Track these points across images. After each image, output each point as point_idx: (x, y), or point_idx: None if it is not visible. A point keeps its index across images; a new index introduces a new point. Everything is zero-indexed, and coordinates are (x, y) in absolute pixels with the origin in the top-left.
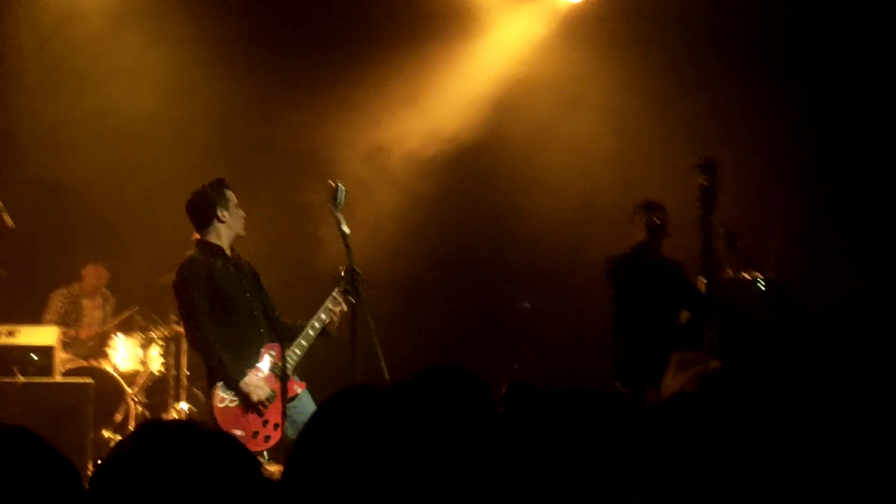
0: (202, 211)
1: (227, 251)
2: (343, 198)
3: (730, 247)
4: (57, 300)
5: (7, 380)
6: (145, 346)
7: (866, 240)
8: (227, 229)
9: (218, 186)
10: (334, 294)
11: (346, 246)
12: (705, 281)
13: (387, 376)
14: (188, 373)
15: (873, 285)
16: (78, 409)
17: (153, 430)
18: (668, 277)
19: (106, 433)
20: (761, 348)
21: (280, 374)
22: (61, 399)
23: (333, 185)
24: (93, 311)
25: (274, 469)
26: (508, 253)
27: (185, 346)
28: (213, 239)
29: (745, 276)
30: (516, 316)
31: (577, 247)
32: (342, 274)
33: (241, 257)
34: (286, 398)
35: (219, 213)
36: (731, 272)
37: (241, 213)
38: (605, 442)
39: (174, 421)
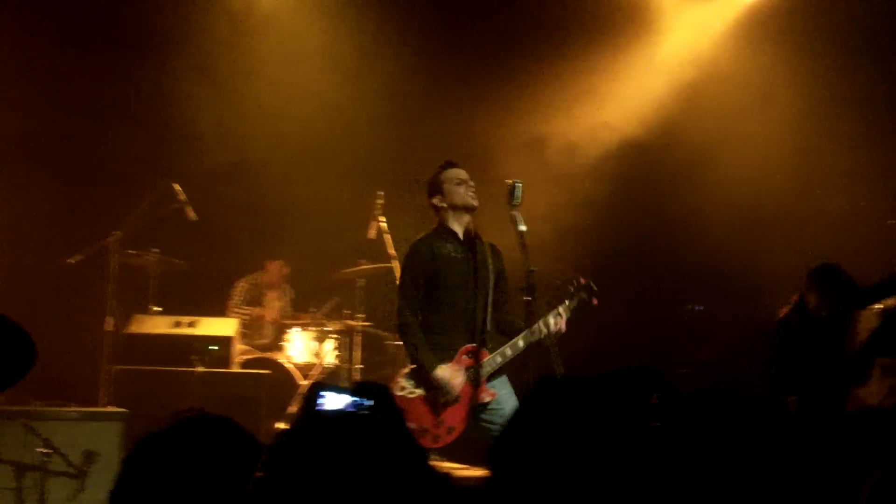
0: (427, 198)
1: (461, 234)
2: (520, 196)
3: None
4: (242, 287)
5: (187, 369)
6: (320, 339)
7: None
8: (449, 212)
9: (436, 172)
10: (560, 309)
11: (523, 245)
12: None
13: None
14: (361, 367)
15: None
16: (253, 400)
17: (316, 419)
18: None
19: (279, 424)
20: None
21: (472, 378)
22: (238, 389)
23: (510, 183)
24: (274, 301)
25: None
26: (679, 254)
27: (358, 340)
28: (445, 221)
29: None
30: (688, 318)
31: (752, 249)
32: (573, 287)
33: (485, 243)
34: (473, 404)
35: (433, 201)
36: None
37: (461, 189)
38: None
39: (334, 411)
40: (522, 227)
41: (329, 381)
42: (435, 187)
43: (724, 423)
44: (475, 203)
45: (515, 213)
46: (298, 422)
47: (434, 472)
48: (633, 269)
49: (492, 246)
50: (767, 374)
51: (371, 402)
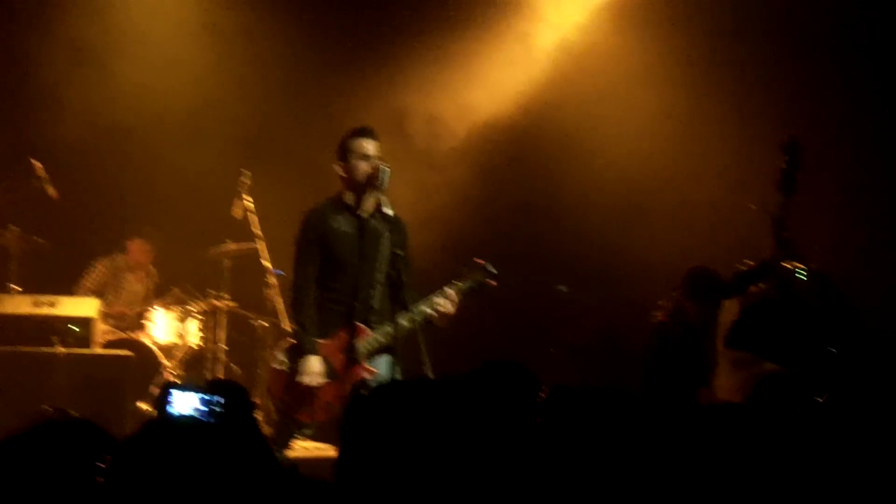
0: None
1: (361, 207)
2: (387, 180)
3: (775, 234)
4: (99, 269)
5: (48, 350)
6: (184, 319)
7: None
8: (349, 183)
9: (344, 138)
10: (448, 290)
11: (391, 231)
12: (746, 267)
13: (429, 369)
14: (226, 348)
15: None
16: (117, 381)
17: (159, 427)
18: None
19: (142, 405)
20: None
21: (349, 356)
22: (101, 371)
23: (378, 167)
24: (134, 285)
25: (310, 445)
26: (547, 238)
27: (223, 321)
28: (343, 192)
29: (787, 265)
30: (554, 299)
31: (621, 235)
32: (467, 268)
33: (387, 217)
34: (351, 381)
35: (336, 168)
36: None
37: (363, 165)
38: (644, 446)
39: (180, 417)
40: (389, 212)
41: (192, 365)
42: (340, 153)
43: (604, 421)
44: (378, 184)
45: (383, 197)
46: (143, 428)
47: (281, 468)
48: (498, 252)
49: (396, 220)
50: (646, 382)
51: (222, 400)
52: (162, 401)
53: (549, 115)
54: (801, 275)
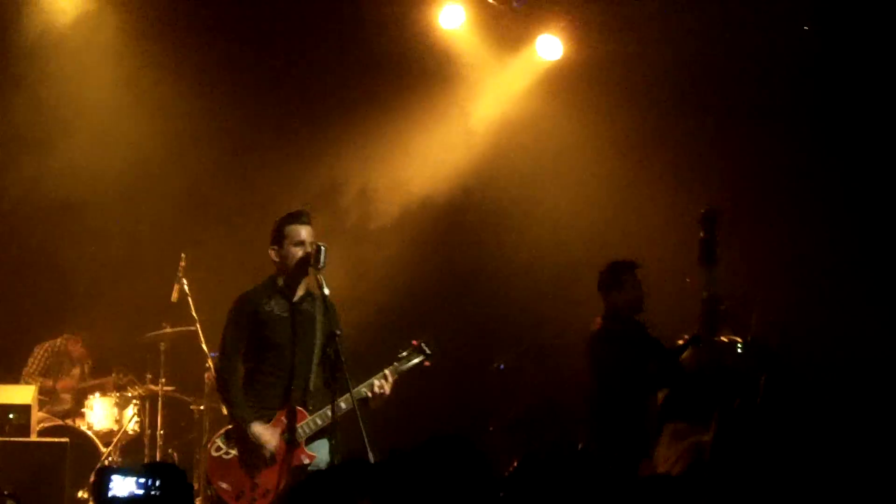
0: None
1: (293, 290)
2: (325, 259)
3: (705, 308)
4: (40, 354)
5: None
6: (121, 405)
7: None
8: (283, 267)
9: (280, 221)
10: (386, 371)
11: (328, 309)
12: (682, 341)
13: (371, 449)
14: (163, 432)
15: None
16: (54, 469)
17: None
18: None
19: (81, 493)
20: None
21: (290, 440)
22: (38, 458)
23: (315, 246)
24: (72, 370)
25: None
26: (484, 312)
27: (160, 405)
28: (276, 276)
29: (724, 339)
30: (491, 376)
31: (556, 307)
32: (406, 349)
33: (317, 298)
34: (291, 466)
35: (270, 253)
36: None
37: (297, 252)
38: None
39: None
40: (326, 291)
41: (129, 450)
42: (274, 238)
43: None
44: (315, 264)
45: (320, 276)
46: None
47: None
48: (435, 328)
49: (325, 301)
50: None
51: (158, 483)
52: (99, 486)
53: (486, 188)
54: (737, 347)
